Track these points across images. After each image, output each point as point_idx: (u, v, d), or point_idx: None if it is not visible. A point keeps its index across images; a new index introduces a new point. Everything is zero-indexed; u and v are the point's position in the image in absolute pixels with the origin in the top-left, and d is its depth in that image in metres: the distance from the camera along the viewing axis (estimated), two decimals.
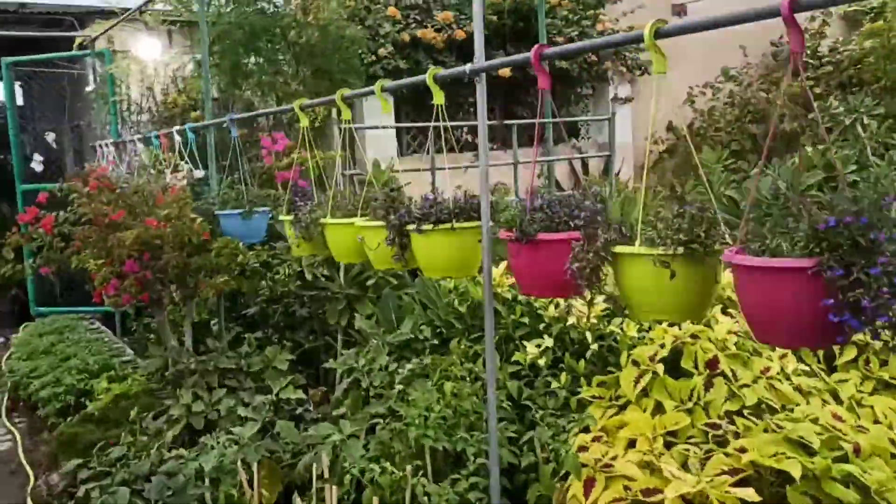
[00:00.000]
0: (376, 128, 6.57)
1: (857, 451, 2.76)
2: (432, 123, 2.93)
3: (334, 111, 8.16)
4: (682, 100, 10.79)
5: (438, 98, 2.89)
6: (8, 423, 5.81)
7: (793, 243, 1.68)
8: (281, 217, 3.89)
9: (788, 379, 3.34)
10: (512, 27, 9.47)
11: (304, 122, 3.79)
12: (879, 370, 3.46)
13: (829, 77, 10.71)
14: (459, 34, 8.95)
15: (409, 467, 3.09)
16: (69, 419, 5.09)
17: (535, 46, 2.39)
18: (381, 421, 3.52)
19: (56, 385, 5.60)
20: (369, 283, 5.01)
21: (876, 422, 3.16)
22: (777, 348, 3.56)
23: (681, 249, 1.89)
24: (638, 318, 2.10)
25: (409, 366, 3.85)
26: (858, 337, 1.80)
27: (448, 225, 2.77)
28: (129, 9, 7.35)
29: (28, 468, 4.91)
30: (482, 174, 2.77)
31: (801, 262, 1.60)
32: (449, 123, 2.95)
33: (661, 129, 11.26)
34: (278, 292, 5.64)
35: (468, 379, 3.68)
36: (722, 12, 1.94)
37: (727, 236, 1.95)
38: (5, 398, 6.22)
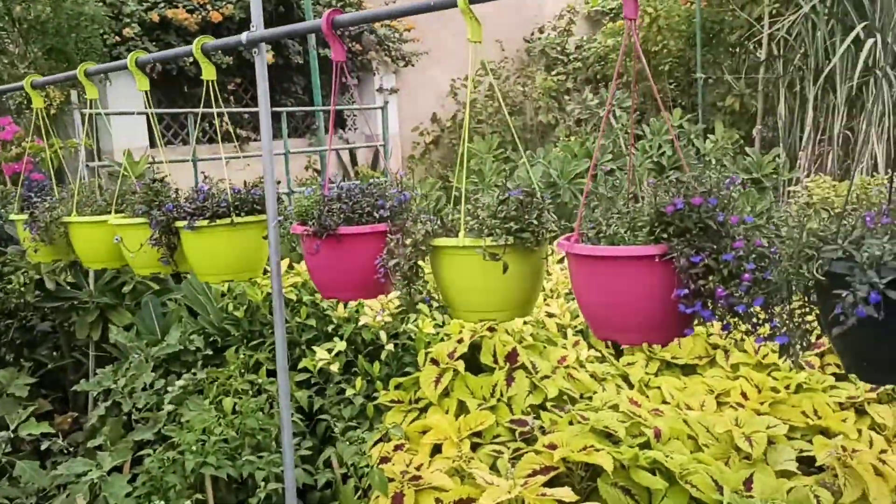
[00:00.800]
0: (129, 113, 5.84)
1: (657, 435, 2.77)
2: (201, 109, 2.51)
3: (74, 95, 7.23)
4: (445, 93, 10.93)
5: (209, 72, 2.47)
6: None
7: (633, 229, 1.53)
8: (12, 216, 3.23)
9: (583, 366, 3.33)
10: (273, 11, 8.99)
11: (38, 103, 3.17)
12: (661, 351, 3.56)
13: (578, 73, 11.35)
14: (215, 16, 8.32)
15: (188, 503, 2.66)
16: None
17: (328, 12, 2.08)
18: (150, 450, 3.03)
19: None
20: (126, 288, 4.38)
21: (664, 402, 3.22)
22: (568, 331, 3.55)
23: (511, 239, 1.68)
24: (462, 318, 1.88)
25: (179, 382, 3.37)
26: None
27: (227, 220, 2.38)
28: None
29: None
30: (267, 161, 2.41)
31: (649, 249, 1.46)
32: (225, 110, 2.55)
33: (427, 121, 11.33)
34: (12, 305, 4.81)
35: (250, 392, 3.30)
36: None
37: (552, 224, 1.78)
38: None
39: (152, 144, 8.17)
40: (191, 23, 8.19)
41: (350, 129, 10.57)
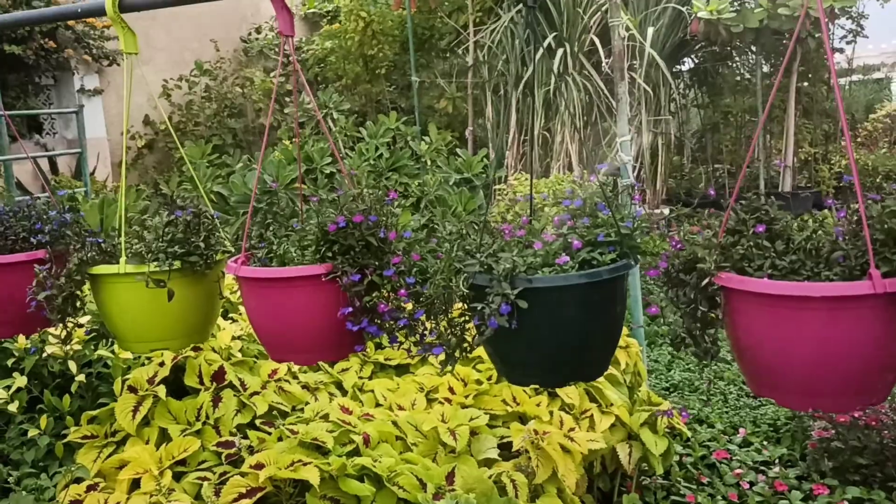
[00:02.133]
0: None
1: (366, 441, 2.80)
2: None
3: None
4: (157, 93, 10.33)
5: None
6: None
7: (302, 248, 1.51)
8: None
9: (296, 378, 3.28)
10: None
11: None
12: (375, 353, 3.62)
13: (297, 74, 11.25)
14: None
15: None
16: None
17: None
18: None
19: None
20: None
21: (377, 405, 3.27)
22: None
23: (177, 263, 1.58)
24: (132, 350, 1.75)
25: None
26: None
27: None
28: None
29: None
30: None
31: (314, 269, 1.44)
32: None
33: (138, 124, 10.64)
34: None
35: None
36: None
37: (227, 242, 1.71)
38: None
39: None
40: None
41: (48, 133, 9.61)
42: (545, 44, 8.17)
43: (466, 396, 3.28)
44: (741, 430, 3.86)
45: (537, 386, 1.73)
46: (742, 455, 3.62)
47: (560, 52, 8.06)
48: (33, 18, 2.00)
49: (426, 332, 1.44)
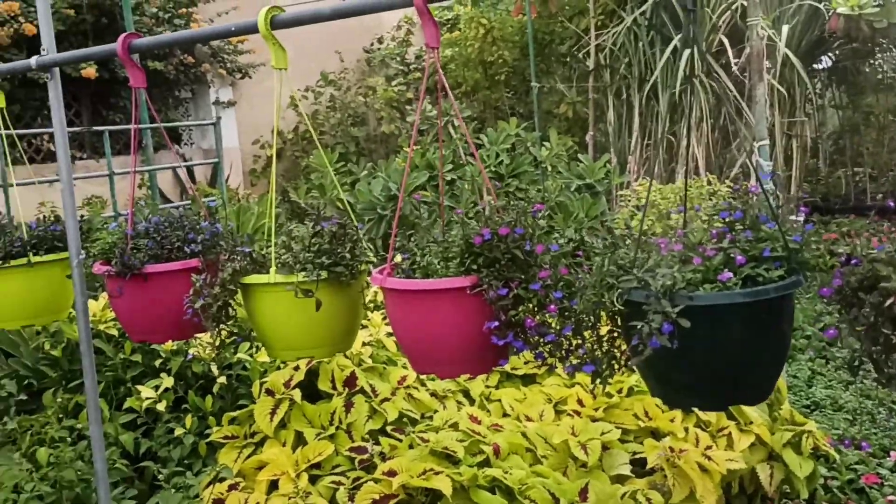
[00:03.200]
0: None
1: (496, 452, 2.78)
2: None
3: None
4: (285, 104, 10.69)
5: None
6: None
7: (446, 260, 1.50)
8: None
9: (424, 385, 3.30)
10: (94, 24, 8.46)
11: None
12: None
13: (419, 82, 11.44)
14: (30, 28, 7.72)
15: None
16: None
17: (123, 36, 1.93)
18: None
19: None
20: None
21: (505, 415, 3.25)
22: None
23: (324, 274, 1.61)
24: (279, 357, 1.80)
25: None
26: None
27: (24, 260, 2.17)
28: None
29: None
30: (65, 191, 2.22)
31: (459, 281, 1.43)
32: (18, 131, 2.33)
33: (267, 134, 11.05)
34: None
35: (69, 439, 3.04)
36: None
37: (370, 252, 1.73)
38: None
39: None
40: (2, 36, 7.57)
41: (186, 143, 10.14)
42: (671, 45, 7.94)
43: (596, 409, 3.21)
44: (892, 453, 3.60)
45: (695, 408, 1.66)
46: (894, 480, 3.38)
47: (686, 53, 7.81)
48: (181, 39, 2.09)
49: (573, 349, 1.40)
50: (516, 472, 2.66)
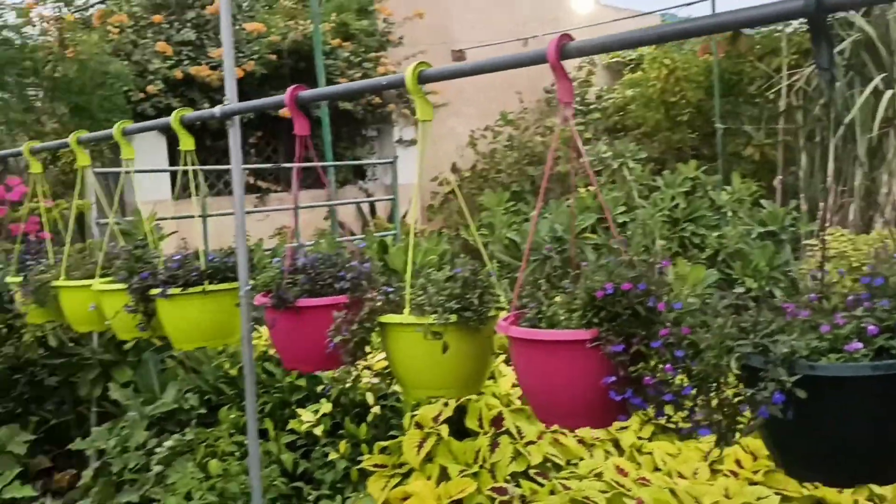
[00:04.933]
0: (127, 171, 5.96)
1: None
2: (179, 167, 2.56)
3: (109, 150, 7.41)
4: (464, 143, 11.01)
5: (187, 143, 2.52)
6: None
7: (570, 311, 1.51)
8: (7, 279, 3.30)
9: (573, 431, 3.27)
10: (293, 67, 9.18)
11: (36, 167, 3.26)
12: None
13: (597, 123, 11.39)
14: (237, 72, 8.50)
15: None
16: None
17: (290, 88, 2.12)
18: None
19: None
20: (128, 345, 4.43)
21: (656, 469, 3.14)
22: None
23: (454, 318, 1.67)
24: (411, 395, 1.87)
25: (168, 443, 3.38)
26: None
27: (199, 288, 2.40)
28: None
29: None
30: (238, 227, 2.44)
31: (579, 334, 1.44)
32: (202, 168, 2.60)
33: (446, 171, 11.40)
34: (23, 359, 4.89)
35: (237, 454, 3.28)
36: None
37: (503, 298, 1.77)
38: None
39: (176, 197, 8.30)
40: (213, 79, 8.39)
41: (370, 179, 10.68)
42: (871, 85, 7.41)
43: (755, 472, 3.03)
44: None
45: (820, 484, 1.55)
46: None
47: (888, 93, 7.25)
48: (341, 92, 2.25)
49: (696, 408, 1.36)
50: None
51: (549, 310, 1.56)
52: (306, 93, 2.12)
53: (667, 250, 6.37)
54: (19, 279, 3.19)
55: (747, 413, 1.33)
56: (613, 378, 1.38)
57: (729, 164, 9.35)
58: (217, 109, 2.37)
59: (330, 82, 8.84)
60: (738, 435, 1.29)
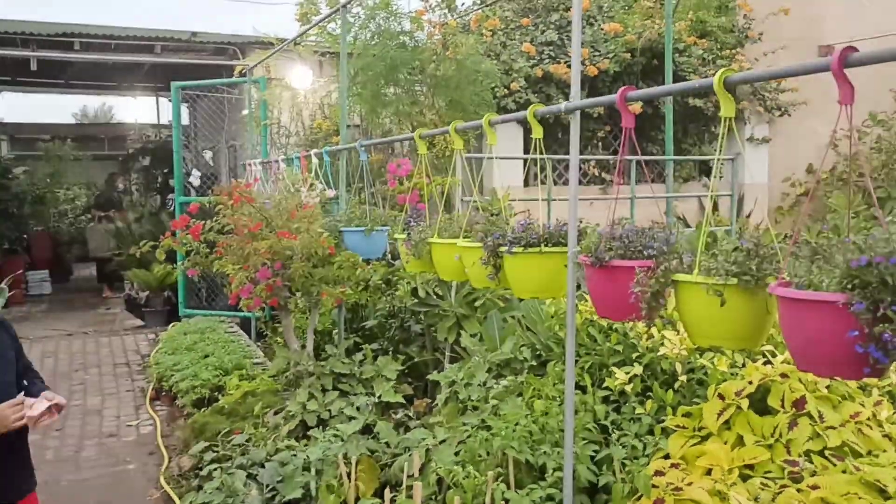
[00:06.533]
0: (490, 157, 6.84)
1: None
2: (530, 156, 3.15)
3: (475, 139, 8.52)
4: (824, 143, 10.47)
5: (537, 132, 3.12)
6: (150, 410, 6.46)
7: (831, 278, 1.80)
8: (395, 235, 4.22)
9: (881, 426, 3.31)
10: (645, 64, 9.56)
11: (423, 150, 4.12)
12: None
13: None
14: (591, 70, 9.13)
15: (490, 473, 3.30)
16: (203, 410, 5.63)
17: (621, 90, 2.58)
18: (473, 430, 3.75)
19: (194, 379, 6.19)
20: (478, 303, 5.27)
21: None
22: (872, 392, 3.54)
23: (733, 280, 2.03)
24: (695, 342, 2.24)
25: (503, 382, 4.07)
26: None
27: (537, 249, 2.99)
28: (285, 40, 8.05)
29: (164, 450, 5.46)
30: (572, 204, 2.97)
31: (833, 296, 1.72)
32: (548, 157, 3.16)
33: (800, 172, 10.94)
34: (396, 307, 6.01)
35: (558, 400, 3.85)
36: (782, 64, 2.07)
37: (786, 273, 2.07)
38: (150, 387, 6.91)
39: (526, 184, 9.22)
40: (569, 76, 9.11)
41: (716, 176, 10.64)
42: None
43: None
44: None
45: None
46: None
47: None
48: (662, 92, 2.65)
49: None
50: None
51: (816, 278, 1.85)
52: (634, 92, 2.57)
53: None
54: (404, 236, 4.09)
55: None
56: (856, 332, 1.65)
57: None
58: (563, 105, 2.92)
59: (681, 79, 9.07)
60: None
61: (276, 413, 4.91)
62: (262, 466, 3.99)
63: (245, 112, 8.92)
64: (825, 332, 1.76)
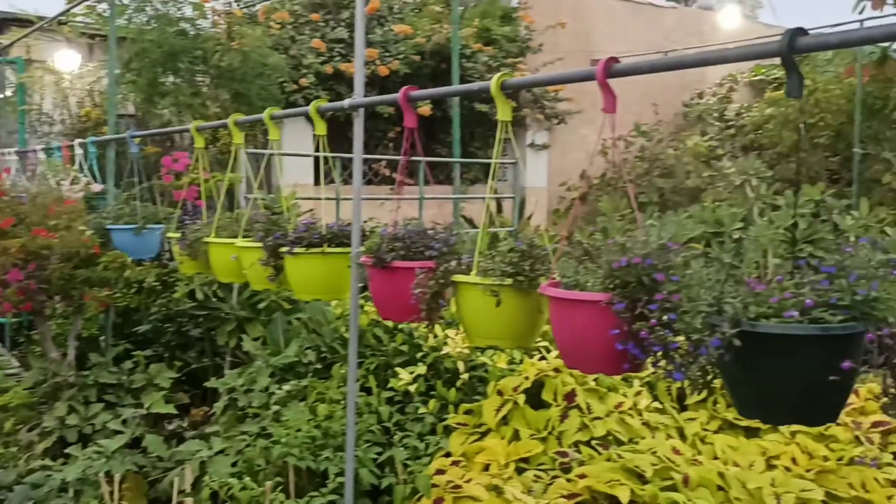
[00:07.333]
0: (273, 153, 6.66)
1: (686, 481, 2.97)
2: (315, 154, 3.06)
3: (262, 135, 8.21)
4: (598, 150, 11.21)
5: (320, 129, 3.03)
6: None
7: (596, 278, 1.87)
8: (168, 234, 3.95)
9: (640, 414, 3.56)
10: (434, 68, 9.75)
11: (199, 143, 3.89)
12: (725, 410, 3.71)
13: (734, 139, 11.33)
14: (383, 70, 9.16)
15: (269, 483, 3.17)
16: None
17: (403, 88, 2.56)
18: (250, 439, 3.59)
19: None
20: (262, 305, 5.08)
21: (715, 458, 3.39)
22: (634, 383, 3.80)
23: (508, 281, 2.06)
24: (473, 342, 2.27)
25: (286, 387, 3.94)
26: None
27: (319, 249, 2.90)
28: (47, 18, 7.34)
29: None
30: (355, 204, 2.92)
31: (596, 295, 1.79)
32: (334, 155, 3.09)
33: (575, 177, 11.64)
34: (173, 311, 5.65)
35: (342, 403, 3.79)
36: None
37: (557, 273, 2.13)
38: None
39: (316, 182, 9.06)
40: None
41: (500, 179, 11.11)
42: None
43: (808, 470, 3.23)
44: None
45: (759, 420, 1.84)
46: None
47: None
48: (449, 93, 2.67)
49: (676, 358, 1.69)
50: (701, 502, 2.84)
51: (583, 278, 1.92)
52: (417, 93, 2.56)
53: (778, 267, 6.41)
54: (178, 234, 3.83)
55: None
56: (617, 331, 1.73)
57: (866, 189, 9.13)
58: (346, 102, 2.86)
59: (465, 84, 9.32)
60: (704, 382, 1.61)
61: (30, 430, 4.44)
62: (11, 490, 3.58)
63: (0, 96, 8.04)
64: (590, 330, 1.82)
